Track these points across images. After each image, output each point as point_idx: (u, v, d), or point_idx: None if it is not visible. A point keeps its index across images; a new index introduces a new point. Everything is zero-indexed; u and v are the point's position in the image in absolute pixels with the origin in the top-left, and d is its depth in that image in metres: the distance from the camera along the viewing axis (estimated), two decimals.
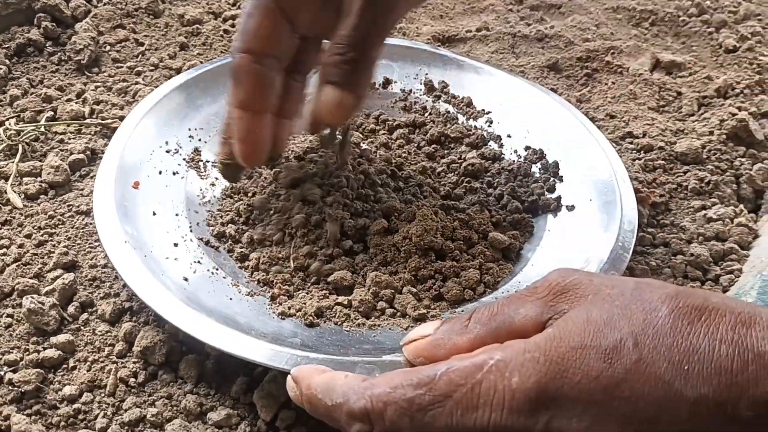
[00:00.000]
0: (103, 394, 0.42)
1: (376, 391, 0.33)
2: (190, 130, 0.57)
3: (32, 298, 0.45)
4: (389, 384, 0.32)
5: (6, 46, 0.67)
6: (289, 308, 0.45)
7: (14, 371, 0.43)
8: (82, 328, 0.46)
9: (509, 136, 0.60)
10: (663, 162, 0.60)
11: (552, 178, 0.56)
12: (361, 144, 0.58)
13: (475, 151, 0.59)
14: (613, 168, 0.54)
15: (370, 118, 0.62)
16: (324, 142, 0.55)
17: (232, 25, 0.73)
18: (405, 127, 0.61)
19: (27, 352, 0.44)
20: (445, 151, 0.59)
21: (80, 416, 0.41)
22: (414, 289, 0.47)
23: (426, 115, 0.62)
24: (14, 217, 0.52)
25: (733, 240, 0.55)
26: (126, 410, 0.42)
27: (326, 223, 0.49)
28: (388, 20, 0.46)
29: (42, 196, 0.54)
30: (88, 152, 0.57)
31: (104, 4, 0.72)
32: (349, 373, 0.35)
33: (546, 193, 0.55)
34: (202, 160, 0.56)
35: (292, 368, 0.37)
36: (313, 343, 0.42)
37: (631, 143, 0.62)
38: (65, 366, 0.44)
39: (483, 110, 0.62)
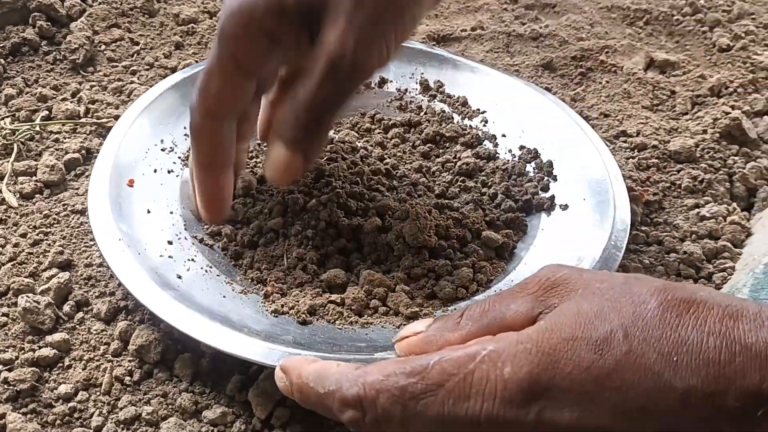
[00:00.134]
0: (98, 393, 0.43)
1: (369, 378, 0.33)
2: (185, 128, 0.57)
3: (27, 297, 0.45)
4: (382, 372, 0.33)
5: (1, 45, 0.67)
6: (282, 306, 0.45)
7: (9, 370, 0.43)
8: (77, 326, 0.46)
9: (504, 135, 0.60)
10: (657, 160, 0.61)
11: (546, 178, 0.56)
12: (357, 143, 0.58)
13: (470, 150, 0.59)
14: (606, 168, 0.54)
15: (365, 117, 0.62)
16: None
17: None
18: (400, 126, 0.61)
19: (22, 351, 0.44)
20: (440, 151, 0.59)
21: (76, 415, 0.42)
22: (407, 288, 0.47)
23: (421, 114, 0.62)
24: (9, 216, 0.53)
25: (726, 238, 0.55)
26: (121, 408, 0.42)
27: (320, 222, 0.49)
28: (352, 86, 0.41)
29: (37, 195, 0.54)
30: (83, 151, 0.58)
31: (99, 4, 0.72)
32: (341, 362, 0.35)
33: (540, 192, 0.55)
34: None
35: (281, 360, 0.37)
36: (305, 341, 0.42)
37: (624, 142, 0.63)
38: (60, 365, 0.44)
39: (478, 110, 0.62)
